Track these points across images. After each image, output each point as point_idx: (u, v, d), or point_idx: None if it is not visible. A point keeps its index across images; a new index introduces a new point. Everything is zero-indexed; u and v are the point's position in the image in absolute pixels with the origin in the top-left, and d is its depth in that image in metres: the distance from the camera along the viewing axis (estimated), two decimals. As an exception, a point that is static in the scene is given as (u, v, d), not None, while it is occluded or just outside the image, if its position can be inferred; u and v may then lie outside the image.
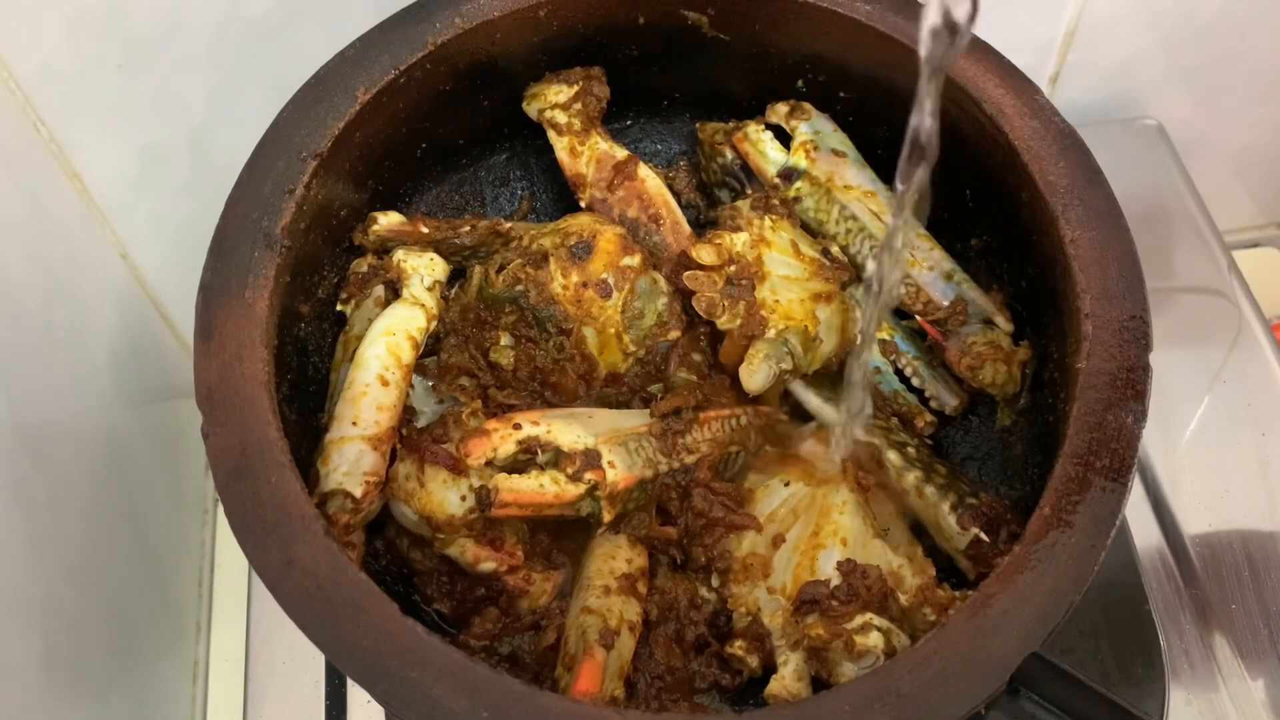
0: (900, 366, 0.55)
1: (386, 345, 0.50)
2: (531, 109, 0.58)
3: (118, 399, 0.64)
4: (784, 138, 0.57)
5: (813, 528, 0.48)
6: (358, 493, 0.46)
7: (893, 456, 0.51)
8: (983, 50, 0.52)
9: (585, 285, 0.53)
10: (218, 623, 0.66)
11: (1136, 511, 0.61)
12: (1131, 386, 0.44)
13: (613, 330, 0.53)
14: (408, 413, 0.52)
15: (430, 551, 0.50)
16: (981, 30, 0.53)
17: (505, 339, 0.53)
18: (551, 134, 0.58)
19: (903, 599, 0.46)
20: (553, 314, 0.53)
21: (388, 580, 0.51)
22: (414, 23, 0.53)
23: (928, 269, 0.54)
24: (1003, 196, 0.52)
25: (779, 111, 0.57)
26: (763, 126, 0.57)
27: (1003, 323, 0.53)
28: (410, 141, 0.56)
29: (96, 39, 0.57)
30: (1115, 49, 0.72)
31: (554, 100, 0.57)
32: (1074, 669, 0.50)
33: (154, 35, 0.58)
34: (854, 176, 0.55)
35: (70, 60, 0.57)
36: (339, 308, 0.54)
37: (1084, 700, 0.51)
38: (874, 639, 0.44)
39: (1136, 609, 0.57)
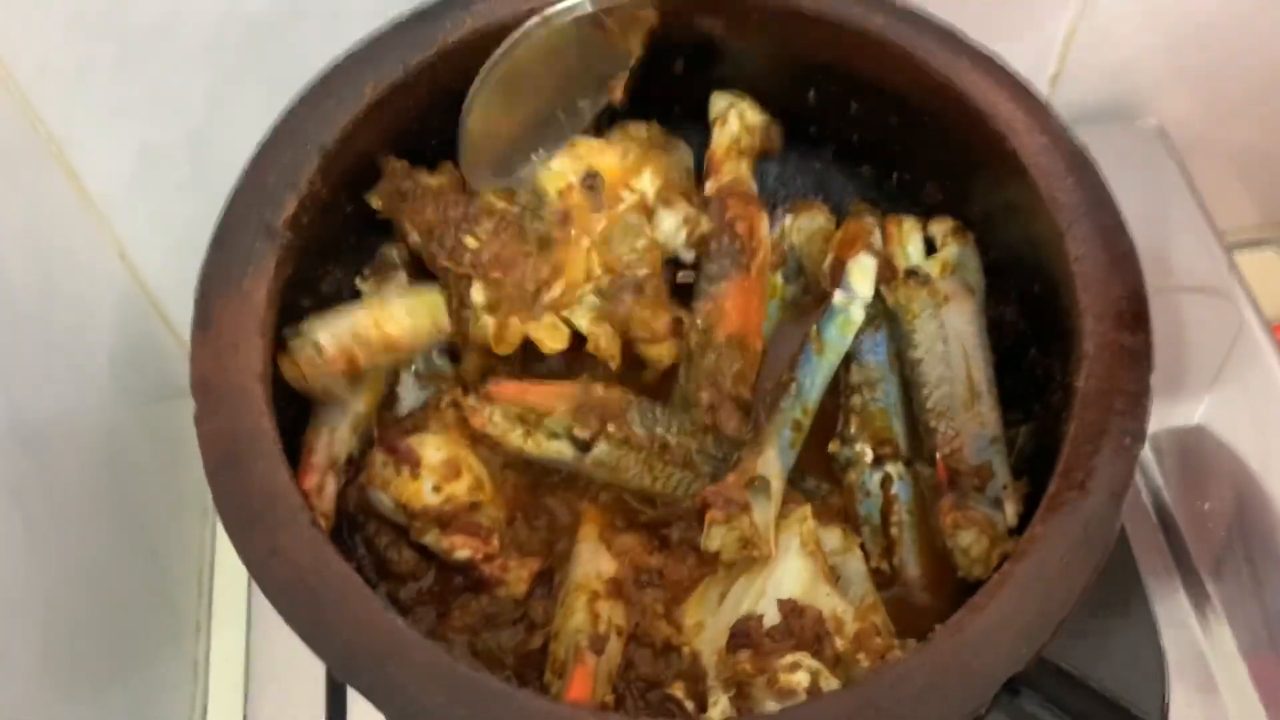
0: (889, 509, 0.52)
1: (430, 302, 0.52)
2: (722, 99, 0.59)
3: (116, 398, 0.64)
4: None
5: (765, 568, 0.48)
6: (323, 342, 0.47)
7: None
8: (994, 66, 0.52)
9: (576, 185, 0.53)
10: (218, 622, 0.65)
11: (1136, 511, 0.61)
12: (1130, 408, 0.44)
13: (586, 243, 0.53)
14: (390, 399, 0.53)
15: (409, 552, 0.50)
16: (982, 31, 0.53)
17: (485, 224, 0.53)
18: (720, 126, 0.59)
19: (839, 643, 0.45)
20: (538, 202, 0.53)
21: (364, 572, 0.51)
22: (425, 22, 0.53)
23: (978, 425, 0.51)
24: (1012, 214, 0.52)
25: (943, 224, 0.56)
26: (919, 226, 0.57)
27: (1010, 513, 0.49)
28: (419, 140, 0.56)
29: (95, 37, 0.57)
30: (1116, 49, 0.72)
31: (745, 110, 0.58)
32: (1074, 669, 0.51)
33: (153, 33, 0.58)
34: (967, 314, 0.53)
35: (68, 58, 0.57)
36: (357, 283, 0.54)
37: (1084, 700, 0.51)
38: (800, 678, 0.42)
39: (1136, 608, 0.57)
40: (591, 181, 0.53)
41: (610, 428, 0.49)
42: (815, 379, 0.53)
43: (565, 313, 0.53)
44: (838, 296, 0.54)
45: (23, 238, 0.56)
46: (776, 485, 0.49)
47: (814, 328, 0.53)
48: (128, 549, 0.62)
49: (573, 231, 0.53)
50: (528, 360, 0.54)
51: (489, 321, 0.52)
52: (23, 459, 0.51)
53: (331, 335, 0.48)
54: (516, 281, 0.52)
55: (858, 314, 0.54)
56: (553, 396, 0.49)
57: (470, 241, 0.52)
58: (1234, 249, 0.71)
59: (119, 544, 0.61)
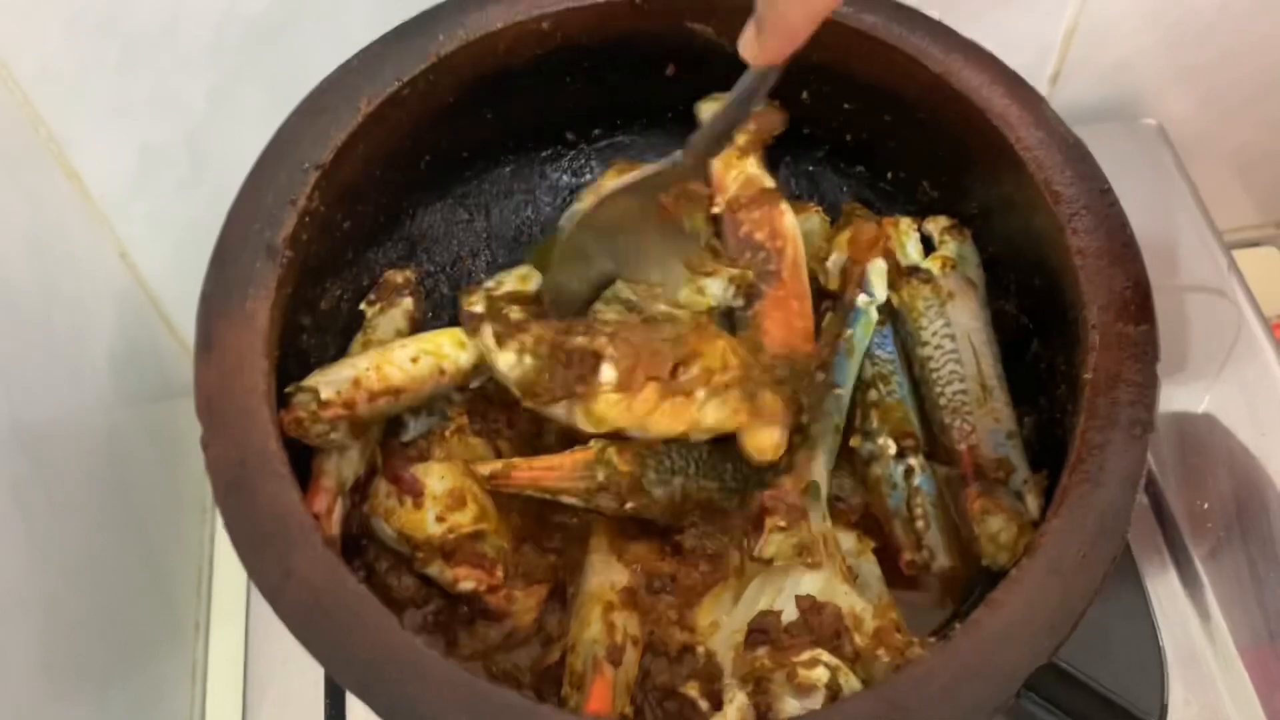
0: (912, 501, 0.52)
1: (434, 348, 0.51)
2: (707, 109, 0.58)
3: (117, 398, 0.64)
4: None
5: (783, 568, 0.48)
6: (324, 395, 0.47)
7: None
8: (988, 60, 0.52)
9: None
10: (217, 622, 0.65)
11: (1136, 509, 0.61)
12: (1138, 398, 0.44)
13: (723, 343, 0.52)
14: (394, 425, 0.53)
15: (410, 579, 0.50)
16: (982, 30, 0.53)
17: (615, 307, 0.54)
18: None
19: (858, 639, 0.45)
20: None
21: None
22: (418, 34, 0.53)
23: (993, 420, 0.51)
24: (1011, 208, 0.52)
25: (939, 222, 0.57)
26: (916, 225, 0.57)
27: (1032, 505, 0.49)
28: (414, 153, 0.56)
29: (96, 38, 0.57)
30: (1115, 48, 0.72)
31: None
32: (1074, 669, 0.50)
33: (153, 34, 0.58)
34: (972, 310, 0.54)
35: (69, 59, 0.57)
36: (362, 306, 0.55)
37: (1084, 700, 0.51)
38: (819, 674, 0.42)
39: (1135, 607, 0.57)
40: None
41: (629, 505, 0.49)
42: (847, 381, 0.53)
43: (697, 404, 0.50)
44: (861, 299, 0.54)
45: (23, 238, 0.56)
46: (824, 490, 0.49)
47: (846, 331, 0.54)
48: (127, 549, 0.62)
49: (712, 327, 0.52)
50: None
51: (608, 400, 0.49)
52: (23, 459, 0.51)
53: (333, 386, 0.48)
54: (653, 350, 0.49)
55: (874, 315, 0.54)
56: (567, 479, 0.49)
57: (606, 315, 0.52)
58: (1234, 247, 0.71)
59: (118, 544, 0.61)
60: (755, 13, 0.42)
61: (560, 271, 0.53)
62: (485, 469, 0.49)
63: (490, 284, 0.59)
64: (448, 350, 0.52)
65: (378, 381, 0.49)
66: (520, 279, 0.59)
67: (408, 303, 0.55)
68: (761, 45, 0.43)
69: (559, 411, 0.50)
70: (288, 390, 0.47)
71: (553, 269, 0.53)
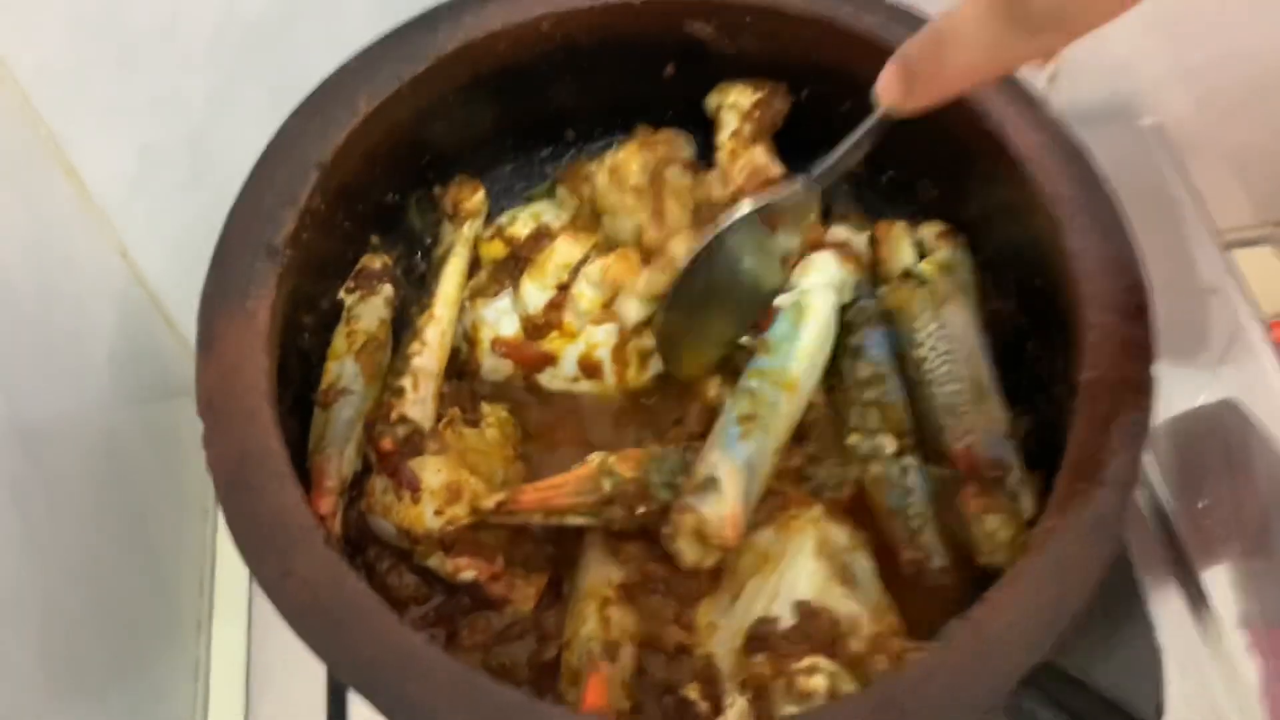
0: (907, 500, 0.52)
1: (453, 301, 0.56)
2: (711, 101, 0.58)
3: (117, 397, 0.64)
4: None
5: (778, 570, 0.48)
6: (427, 426, 0.50)
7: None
8: None
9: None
10: (218, 620, 0.65)
11: (1133, 510, 0.61)
12: (1135, 399, 0.44)
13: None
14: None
15: (410, 577, 0.50)
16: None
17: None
18: (719, 132, 0.58)
19: (854, 645, 0.45)
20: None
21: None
22: (418, 34, 0.53)
23: (988, 421, 0.51)
24: (1009, 208, 0.52)
25: (933, 228, 0.57)
26: (910, 229, 0.57)
27: (1027, 505, 0.49)
28: (414, 153, 0.56)
29: (96, 37, 0.57)
30: (1113, 49, 0.72)
31: (734, 101, 0.58)
32: (1072, 668, 0.51)
33: (153, 34, 0.58)
34: (966, 314, 0.54)
35: (69, 58, 0.57)
36: (341, 294, 0.54)
37: (1082, 699, 0.51)
38: (817, 681, 0.42)
39: (1133, 607, 0.57)
40: None
41: (640, 511, 0.49)
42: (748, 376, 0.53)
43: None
44: (780, 299, 0.54)
45: (23, 237, 0.56)
46: (728, 477, 0.48)
47: (760, 338, 0.54)
48: (128, 548, 0.62)
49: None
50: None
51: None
52: (23, 459, 0.51)
53: (430, 417, 0.51)
54: None
55: (814, 300, 0.54)
56: (574, 494, 0.49)
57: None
58: (1231, 247, 0.71)
59: (119, 543, 0.61)
60: (903, 58, 0.40)
61: (672, 311, 0.54)
62: (490, 501, 0.48)
63: (503, 219, 0.59)
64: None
65: (436, 367, 0.53)
66: (534, 215, 0.59)
67: (387, 289, 0.55)
68: (908, 94, 0.41)
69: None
70: (380, 429, 0.49)
71: (665, 310, 0.54)
